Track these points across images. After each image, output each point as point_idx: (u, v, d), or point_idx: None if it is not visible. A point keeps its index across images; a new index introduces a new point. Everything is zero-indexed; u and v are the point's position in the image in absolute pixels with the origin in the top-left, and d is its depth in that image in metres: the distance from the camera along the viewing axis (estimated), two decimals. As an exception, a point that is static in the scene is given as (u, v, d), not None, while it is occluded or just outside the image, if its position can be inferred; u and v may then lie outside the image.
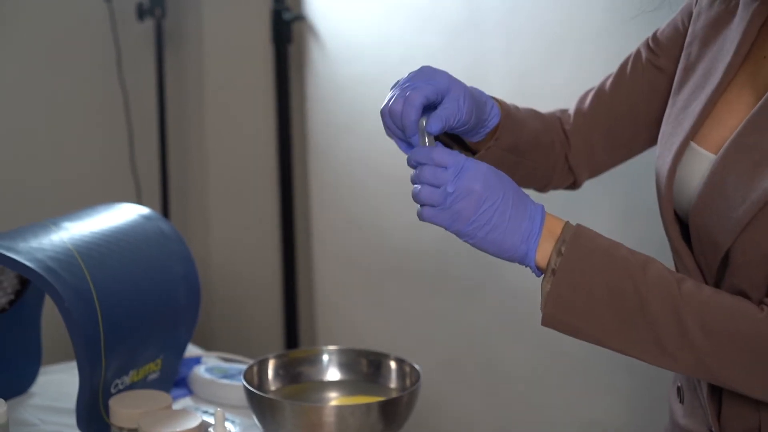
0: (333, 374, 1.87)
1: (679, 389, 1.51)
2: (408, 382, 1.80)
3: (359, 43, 2.84)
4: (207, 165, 3.16)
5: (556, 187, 1.69)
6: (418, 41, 2.64)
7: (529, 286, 2.42)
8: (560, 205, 1.88)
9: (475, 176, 1.30)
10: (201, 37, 3.10)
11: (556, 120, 1.67)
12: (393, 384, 1.83)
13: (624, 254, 1.31)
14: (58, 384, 1.99)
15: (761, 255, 1.28)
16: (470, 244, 1.33)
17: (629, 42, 2.13)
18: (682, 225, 1.43)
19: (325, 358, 1.87)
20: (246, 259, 3.24)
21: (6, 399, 1.88)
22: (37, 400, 1.94)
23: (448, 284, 2.65)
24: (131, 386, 1.79)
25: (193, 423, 1.61)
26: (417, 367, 1.78)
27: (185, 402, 1.92)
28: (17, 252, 1.68)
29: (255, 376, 1.79)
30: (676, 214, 1.43)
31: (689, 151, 1.41)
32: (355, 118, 2.87)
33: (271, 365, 1.84)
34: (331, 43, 2.93)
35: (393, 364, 1.84)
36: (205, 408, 1.85)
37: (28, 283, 1.89)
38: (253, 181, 3.21)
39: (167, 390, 1.88)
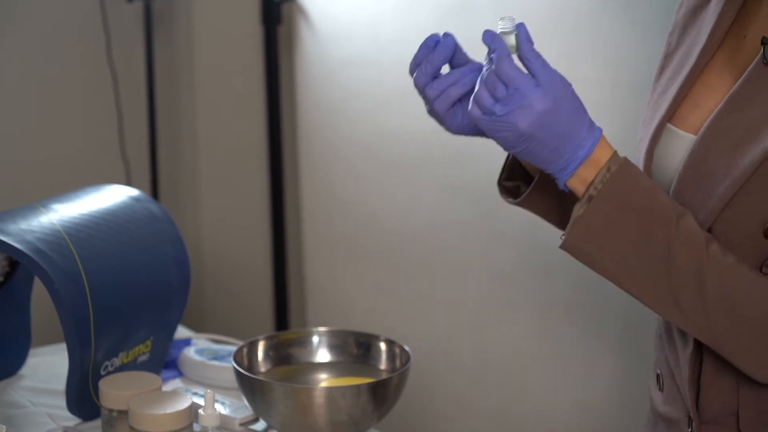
0: (323, 356, 1.87)
1: (658, 377, 1.51)
2: (398, 363, 1.80)
3: (350, 23, 2.83)
4: (197, 146, 3.16)
5: None
6: (410, 21, 2.63)
7: (519, 268, 2.43)
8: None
9: (523, 114, 1.26)
10: (190, 19, 3.09)
11: None
12: (383, 365, 1.83)
13: (664, 200, 1.29)
14: (48, 366, 1.99)
15: (742, 233, 1.29)
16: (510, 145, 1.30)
17: (620, 22, 2.13)
18: None
19: (315, 339, 1.87)
20: (236, 241, 3.24)
21: (-4, 381, 1.89)
22: (27, 382, 1.94)
23: (439, 266, 2.65)
24: (121, 368, 1.79)
25: (183, 405, 1.61)
26: (407, 348, 1.78)
27: (175, 384, 1.92)
28: (7, 234, 1.68)
29: (245, 358, 1.79)
30: None
31: (668, 133, 1.40)
32: (346, 100, 2.86)
33: (261, 347, 1.84)
34: (321, 24, 2.92)
35: (383, 346, 1.84)
36: (195, 389, 1.85)
37: (17, 265, 1.88)
38: (244, 163, 3.20)
39: (157, 372, 1.88)
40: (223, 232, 3.22)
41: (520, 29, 1.30)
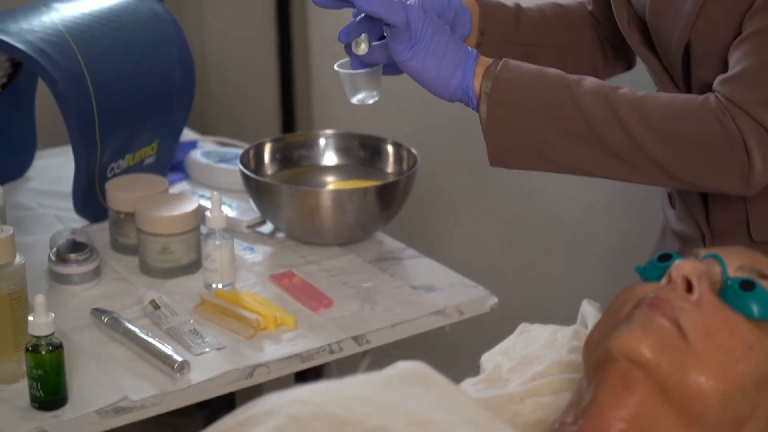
0: (330, 159, 1.86)
1: (670, 195, 1.53)
2: (405, 166, 1.80)
3: None
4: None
5: (611, 74, 1.61)
6: None
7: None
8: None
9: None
10: None
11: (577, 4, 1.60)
12: (390, 168, 1.82)
13: (555, 72, 1.31)
14: (55, 168, 1.99)
15: (715, 44, 1.30)
16: (408, 68, 1.41)
17: None
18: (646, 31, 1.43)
19: (322, 142, 1.87)
20: (241, 44, 3.20)
21: (2, 183, 1.88)
22: (35, 184, 1.94)
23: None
24: (128, 170, 1.78)
25: (190, 207, 1.61)
26: (414, 151, 1.77)
27: (182, 186, 1.92)
28: (8, 34, 1.65)
29: (251, 160, 1.79)
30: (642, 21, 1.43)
31: None
32: None
33: (267, 149, 1.83)
34: None
35: (390, 149, 1.83)
36: (201, 192, 1.85)
37: (20, 66, 1.86)
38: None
39: (164, 174, 1.88)
40: (228, 33, 3.18)
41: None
